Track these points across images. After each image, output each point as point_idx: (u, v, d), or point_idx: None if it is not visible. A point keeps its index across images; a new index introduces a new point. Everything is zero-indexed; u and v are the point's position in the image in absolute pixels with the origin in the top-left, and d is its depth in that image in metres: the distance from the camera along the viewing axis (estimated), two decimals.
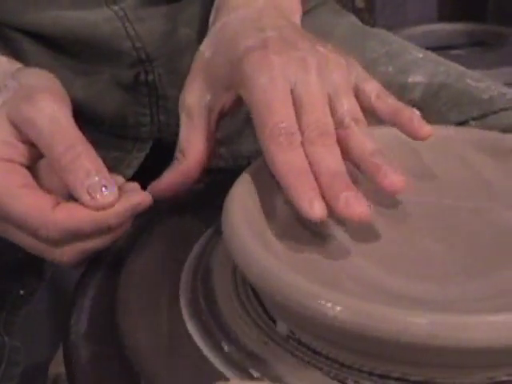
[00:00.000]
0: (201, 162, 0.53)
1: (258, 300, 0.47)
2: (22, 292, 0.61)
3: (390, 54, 0.76)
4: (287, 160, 0.47)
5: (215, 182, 0.54)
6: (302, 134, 0.48)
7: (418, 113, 0.52)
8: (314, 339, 0.43)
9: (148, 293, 0.49)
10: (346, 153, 0.49)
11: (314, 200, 0.45)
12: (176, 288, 0.49)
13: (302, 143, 0.48)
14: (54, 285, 0.64)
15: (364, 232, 0.49)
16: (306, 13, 0.79)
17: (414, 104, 0.72)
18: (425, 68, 0.75)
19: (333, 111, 0.51)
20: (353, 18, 0.84)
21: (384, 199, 0.52)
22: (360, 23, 0.83)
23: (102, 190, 0.46)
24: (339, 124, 0.50)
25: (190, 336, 0.45)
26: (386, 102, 0.53)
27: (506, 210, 0.52)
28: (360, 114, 0.51)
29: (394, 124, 0.52)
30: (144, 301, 0.48)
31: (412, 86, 0.73)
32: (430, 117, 0.70)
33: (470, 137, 0.57)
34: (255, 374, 0.41)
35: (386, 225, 0.50)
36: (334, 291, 0.40)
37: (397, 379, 0.41)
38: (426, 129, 0.51)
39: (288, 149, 0.47)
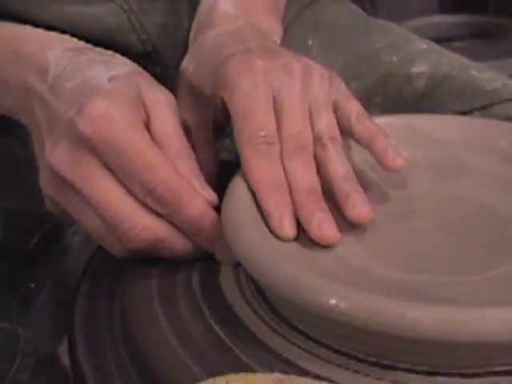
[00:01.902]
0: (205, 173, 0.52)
1: (260, 295, 0.47)
2: (32, 285, 0.61)
3: (394, 44, 0.76)
4: (264, 169, 0.47)
5: (219, 173, 0.54)
6: (281, 144, 0.48)
7: (393, 142, 0.51)
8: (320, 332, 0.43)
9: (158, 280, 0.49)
10: (319, 170, 0.49)
11: (285, 218, 0.45)
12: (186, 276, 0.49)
13: (280, 154, 0.48)
14: (58, 275, 0.64)
15: (376, 227, 0.49)
16: (308, 4, 0.80)
17: (417, 94, 0.73)
18: (428, 58, 0.75)
19: (311, 124, 0.50)
20: (356, 8, 0.84)
21: (387, 191, 0.52)
22: (363, 13, 0.83)
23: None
24: (316, 140, 0.50)
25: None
26: (365, 125, 0.51)
27: None
28: (337, 133, 0.51)
29: (368, 149, 0.51)
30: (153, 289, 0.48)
31: (416, 76, 0.73)
32: (433, 107, 0.71)
33: (486, 128, 0.56)
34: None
35: (388, 218, 0.50)
36: (339, 286, 0.40)
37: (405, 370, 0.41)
38: (398, 162, 0.49)
39: (266, 158, 0.47)
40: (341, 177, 0.48)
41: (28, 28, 0.57)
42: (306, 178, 0.47)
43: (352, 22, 0.80)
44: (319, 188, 0.48)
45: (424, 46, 0.77)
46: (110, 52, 0.54)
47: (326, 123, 0.50)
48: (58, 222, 0.64)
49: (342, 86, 0.54)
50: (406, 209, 0.51)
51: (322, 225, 0.45)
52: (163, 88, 0.51)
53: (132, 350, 0.44)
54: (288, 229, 0.45)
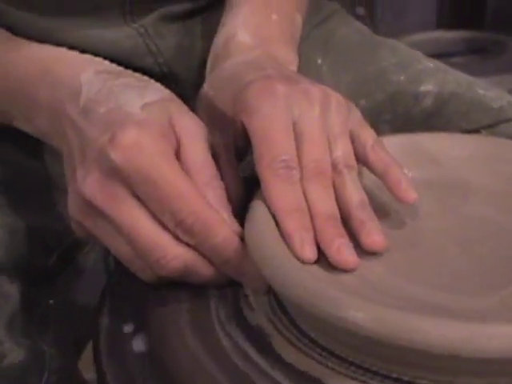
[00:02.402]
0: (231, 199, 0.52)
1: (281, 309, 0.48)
2: (51, 302, 0.62)
3: (401, 63, 0.78)
4: (284, 194, 0.47)
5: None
6: (301, 169, 0.49)
7: (407, 174, 0.52)
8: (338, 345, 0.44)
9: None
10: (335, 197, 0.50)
11: (306, 241, 0.46)
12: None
13: (300, 179, 0.49)
14: (76, 292, 0.65)
15: (389, 241, 0.49)
16: (317, 24, 0.81)
17: (425, 112, 0.74)
18: (435, 77, 0.76)
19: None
20: (363, 27, 0.85)
21: (405, 206, 0.53)
22: (370, 32, 0.84)
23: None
24: (332, 167, 0.50)
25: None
26: (379, 155, 0.52)
27: None
28: (353, 161, 0.51)
29: (381, 179, 0.52)
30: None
31: (423, 94, 0.74)
32: (441, 125, 0.72)
33: (494, 147, 0.57)
34: None
35: (406, 233, 0.51)
36: (361, 300, 0.41)
37: None
38: (410, 195, 0.50)
39: (286, 182, 0.48)
40: (356, 204, 0.49)
41: (62, 50, 0.58)
42: (325, 203, 0.48)
43: (360, 41, 0.81)
44: (338, 214, 0.48)
45: (431, 65, 0.78)
46: (145, 77, 0.54)
47: (343, 151, 0.51)
48: (75, 240, 0.65)
49: (358, 114, 0.54)
50: (418, 227, 0.52)
51: (342, 250, 0.46)
52: (194, 115, 0.52)
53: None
54: (309, 252, 0.46)
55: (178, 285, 0.50)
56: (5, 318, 0.55)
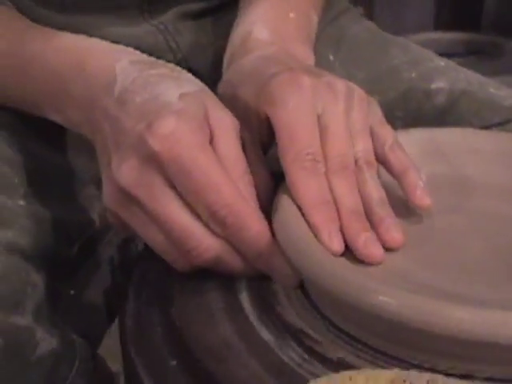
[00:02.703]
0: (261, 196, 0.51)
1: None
2: (72, 292, 0.62)
3: (413, 60, 0.78)
4: (311, 187, 0.48)
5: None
6: (325, 163, 0.49)
7: (424, 178, 0.52)
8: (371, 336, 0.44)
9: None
10: None
11: (334, 234, 0.46)
12: None
13: (325, 173, 0.49)
14: (95, 283, 0.65)
15: (409, 235, 0.50)
16: (329, 21, 0.82)
17: (437, 109, 0.75)
18: (447, 75, 0.77)
19: None
20: (373, 26, 0.86)
21: (439, 201, 0.53)
22: (380, 30, 0.85)
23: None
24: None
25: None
26: (398, 156, 0.52)
27: None
28: (373, 157, 0.52)
29: (397, 180, 0.52)
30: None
31: (435, 91, 0.75)
32: (452, 122, 0.73)
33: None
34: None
35: (423, 229, 0.52)
36: (391, 287, 0.42)
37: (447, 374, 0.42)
38: (425, 202, 0.51)
39: (312, 175, 0.48)
40: (375, 201, 0.50)
41: (94, 40, 0.58)
42: (350, 197, 0.49)
43: (371, 39, 0.82)
44: (362, 208, 0.49)
45: (442, 64, 0.79)
46: (178, 68, 0.55)
47: (363, 147, 0.51)
48: (96, 232, 0.65)
49: (379, 112, 0.54)
50: (434, 223, 0.53)
51: (368, 244, 0.46)
52: (227, 110, 0.51)
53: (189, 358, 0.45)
54: (337, 244, 0.46)
55: (207, 273, 0.50)
56: (32, 307, 0.55)
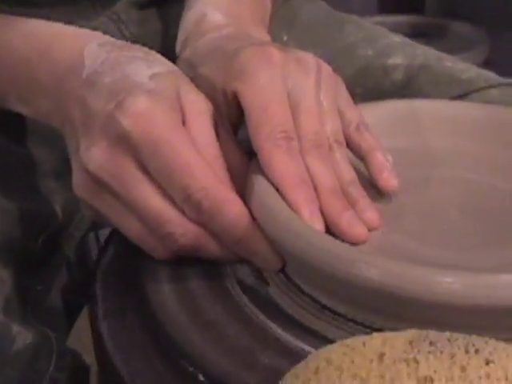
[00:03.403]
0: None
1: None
2: (39, 287, 0.60)
3: (368, 38, 0.78)
4: (287, 166, 0.46)
5: None
6: (299, 141, 0.47)
7: (390, 160, 0.51)
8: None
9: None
10: None
11: (315, 214, 0.45)
12: None
13: (299, 151, 0.47)
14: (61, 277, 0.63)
15: (392, 206, 0.50)
16: (281, 3, 0.80)
17: (396, 85, 0.74)
18: (403, 51, 0.76)
19: None
20: (326, 5, 0.85)
21: (411, 174, 0.53)
22: (333, 9, 0.84)
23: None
24: None
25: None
26: (364, 137, 0.51)
27: None
28: (342, 137, 0.50)
29: (363, 161, 0.51)
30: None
31: (393, 67, 0.75)
32: (412, 97, 0.72)
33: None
34: None
35: (413, 198, 0.51)
36: (370, 255, 0.42)
37: None
38: (391, 183, 0.50)
39: (287, 154, 0.46)
40: (347, 182, 0.48)
41: (60, 25, 0.55)
42: (328, 176, 0.47)
43: (325, 17, 0.81)
44: (339, 187, 0.48)
45: (397, 40, 0.79)
46: (147, 49, 0.52)
47: (332, 126, 0.50)
48: (60, 225, 0.63)
49: (345, 91, 0.53)
50: (431, 189, 0.53)
51: (352, 223, 0.45)
52: (200, 92, 0.49)
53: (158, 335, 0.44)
54: (318, 224, 0.45)
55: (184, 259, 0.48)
56: (2, 302, 0.52)
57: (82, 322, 0.64)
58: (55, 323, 0.60)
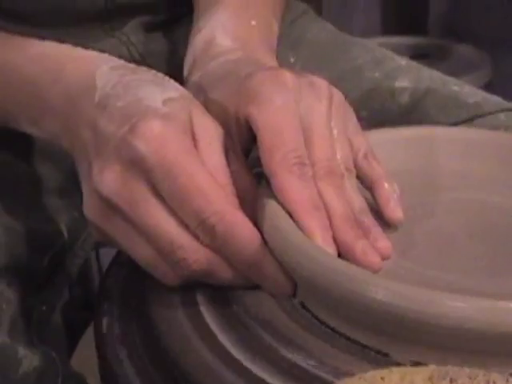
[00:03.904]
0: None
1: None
2: (43, 308, 0.59)
3: (375, 60, 0.78)
4: (301, 191, 0.45)
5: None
6: (312, 167, 0.46)
7: (397, 191, 0.51)
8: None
9: None
10: None
11: (328, 241, 0.45)
12: None
13: (312, 177, 0.46)
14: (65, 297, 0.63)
15: (401, 233, 0.50)
16: (288, 24, 0.81)
17: (402, 108, 0.74)
18: (410, 73, 0.77)
19: None
20: (331, 26, 0.85)
21: (418, 196, 0.53)
22: (339, 31, 0.85)
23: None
24: None
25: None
26: (371, 166, 0.50)
27: None
28: (352, 165, 0.49)
29: (369, 191, 0.51)
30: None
31: (400, 90, 0.75)
32: (418, 120, 0.73)
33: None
34: None
35: (423, 224, 0.51)
36: (385, 278, 0.41)
37: None
38: (398, 214, 0.50)
39: (301, 179, 0.45)
40: (358, 210, 0.48)
41: (71, 46, 0.55)
42: (341, 203, 0.46)
43: (331, 39, 0.81)
44: (352, 215, 0.47)
45: (403, 63, 0.79)
46: (160, 74, 0.52)
47: (343, 154, 0.49)
48: (65, 244, 0.63)
49: (354, 118, 0.52)
50: (439, 212, 0.53)
51: (366, 252, 0.45)
52: (211, 117, 0.49)
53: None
54: (331, 250, 0.45)
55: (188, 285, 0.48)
56: (8, 323, 0.52)
57: (85, 342, 0.63)
58: (58, 343, 0.59)
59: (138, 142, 0.44)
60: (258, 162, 0.48)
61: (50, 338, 0.57)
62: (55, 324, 0.62)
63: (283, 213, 0.46)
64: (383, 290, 0.40)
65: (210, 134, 0.48)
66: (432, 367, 0.30)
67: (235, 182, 0.48)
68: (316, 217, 0.45)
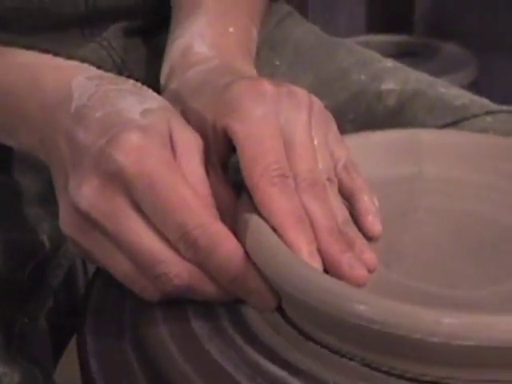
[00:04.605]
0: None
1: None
2: (26, 320, 0.58)
3: (361, 62, 0.77)
4: (283, 205, 0.44)
5: None
6: (294, 179, 0.45)
7: (376, 204, 0.50)
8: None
9: None
10: None
11: (313, 255, 0.44)
12: None
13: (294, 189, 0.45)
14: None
15: (386, 243, 0.49)
16: (272, 27, 0.80)
17: (389, 110, 0.73)
18: (396, 76, 0.76)
19: None
20: (316, 28, 0.84)
21: (403, 207, 0.52)
22: (323, 33, 0.84)
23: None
24: None
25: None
26: (351, 177, 0.50)
27: None
28: (333, 175, 0.49)
29: (349, 202, 0.50)
30: None
31: (386, 93, 0.74)
32: (405, 122, 0.72)
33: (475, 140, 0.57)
34: None
35: (408, 233, 0.50)
36: (372, 295, 0.40)
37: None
38: (376, 228, 0.49)
39: (283, 192, 0.44)
40: (342, 221, 0.47)
41: (47, 56, 0.53)
42: (325, 215, 0.45)
43: (317, 41, 0.80)
44: (337, 227, 0.46)
45: (390, 65, 0.78)
46: (138, 84, 0.51)
47: (324, 164, 0.48)
48: (46, 254, 0.61)
49: (334, 127, 0.51)
50: (426, 222, 0.51)
51: (353, 265, 0.44)
52: (191, 128, 0.48)
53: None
54: (317, 264, 0.44)
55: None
56: None
57: (69, 354, 0.62)
58: (42, 355, 0.58)
59: (116, 153, 0.43)
60: (237, 172, 0.47)
61: (34, 347, 0.56)
62: (40, 331, 0.60)
63: (266, 227, 0.44)
64: (372, 308, 0.39)
65: (190, 145, 0.47)
66: None
67: (215, 194, 0.47)
68: (300, 230, 0.44)
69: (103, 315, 0.48)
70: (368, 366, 0.41)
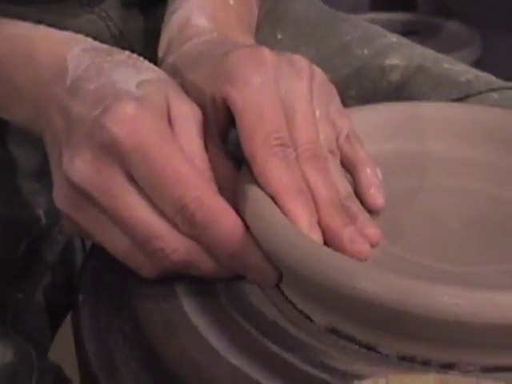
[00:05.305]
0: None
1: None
2: (20, 296, 0.57)
3: (365, 37, 0.76)
4: (283, 175, 0.43)
5: None
6: (295, 149, 0.44)
7: (380, 176, 0.49)
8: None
9: None
10: None
11: (313, 227, 0.43)
12: None
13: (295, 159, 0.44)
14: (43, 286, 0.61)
15: (390, 218, 0.48)
16: (273, 1, 0.78)
17: (392, 86, 0.72)
18: (401, 51, 0.74)
19: None
20: (318, 2, 0.83)
21: (406, 179, 0.51)
22: (327, 7, 0.82)
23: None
24: None
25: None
26: (353, 148, 0.48)
27: None
28: (335, 147, 0.48)
29: (351, 174, 0.49)
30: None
31: (390, 68, 0.73)
32: (409, 98, 0.71)
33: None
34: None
35: (412, 209, 0.49)
36: (373, 269, 0.40)
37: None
38: (378, 201, 0.48)
39: (283, 162, 0.43)
40: (343, 195, 0.46)
41: (43, 27, 0.52)
42: (326, 188, 0.44)
43: (319, 15, 0.79)
44: (338, 199, 0.45)
45: (395, 40, 0.77)
46: (134, 55, 0.49)
47: (325, 136, 0.47)
48: (42, 230, 0.60)
49: (337, 100, 0.50)
50: (431, 200, 0.50)
51: (354, 240, 0.43)
52: (190, 100, 0.47)
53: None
54: (317, 237, 0.43)
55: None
56: None
57: (64, 331, 0.61)
58: (39, 332, 0.57)
59: (110, 124, 0.42)
60: (237, 146, 0.45)
61: (30, 325, 0.55)
62: (37, 308, 0.59)
63: (266, 198, 0.43)
64: (371, 282, 0.38)
65: (188, 117, 0.45)
66: (433, 375, 0.29)
67: (214, 168, 0.45)
68: (300, 201, 0.43)
69: (99, 292, 0.47)
70: (370, 346, 0.40)
